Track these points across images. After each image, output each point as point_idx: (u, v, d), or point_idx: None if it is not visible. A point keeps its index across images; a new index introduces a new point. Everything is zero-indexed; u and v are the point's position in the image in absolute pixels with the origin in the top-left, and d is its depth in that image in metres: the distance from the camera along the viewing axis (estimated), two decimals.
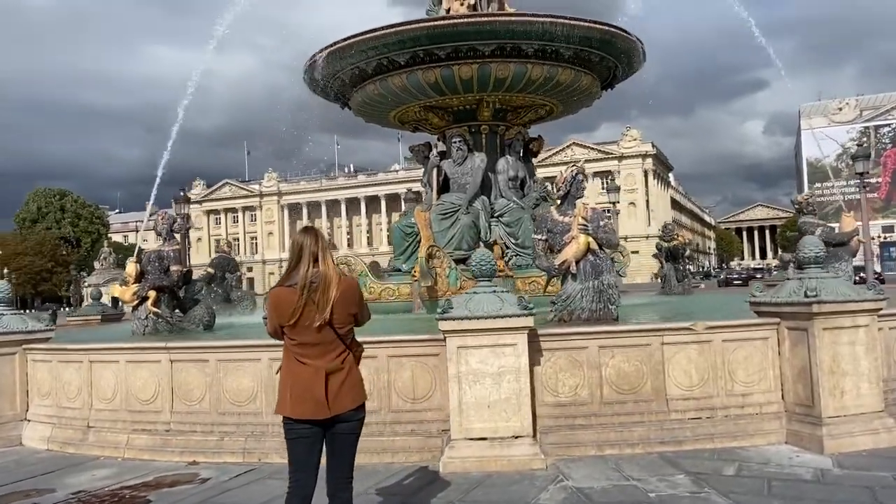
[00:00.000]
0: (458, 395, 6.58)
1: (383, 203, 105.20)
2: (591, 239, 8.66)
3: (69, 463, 7.73)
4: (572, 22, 12.34)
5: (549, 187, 14.56)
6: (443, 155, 14.57)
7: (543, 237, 9.28)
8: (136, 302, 11.07)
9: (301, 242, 4.05)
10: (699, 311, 10.30)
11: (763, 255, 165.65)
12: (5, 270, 13.54)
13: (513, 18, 12.51)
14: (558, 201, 9.41)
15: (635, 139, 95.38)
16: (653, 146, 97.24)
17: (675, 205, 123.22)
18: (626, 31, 13.30)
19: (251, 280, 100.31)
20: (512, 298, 6.71)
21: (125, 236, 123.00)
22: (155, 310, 10.84)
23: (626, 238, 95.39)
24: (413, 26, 12.38)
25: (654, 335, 7.19)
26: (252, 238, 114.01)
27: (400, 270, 14.23)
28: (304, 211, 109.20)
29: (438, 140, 15.11)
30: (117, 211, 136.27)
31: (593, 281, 8.69)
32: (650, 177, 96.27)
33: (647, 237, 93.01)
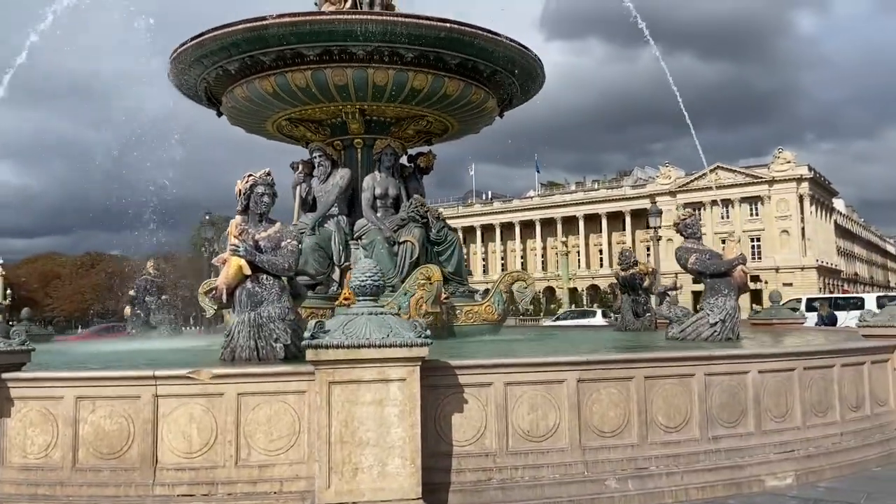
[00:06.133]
0: None
1: (517, 229, 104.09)
2: (242, 262, 7.25)
3: None
4: (387, 18, 10.81)
5: (426, 206, 12.96)
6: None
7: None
8: None
9: None
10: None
11: None
12: None
13: (333, 18, 11.11)
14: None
15: (788, 161, 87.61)
16: (809, 169, 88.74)
17: (846, 234, 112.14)
18: (478, 29, 11.49)
19: None
20: None
21: None
22: None
23: (777, 269, 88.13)
24: (229, 30, 11.28)
25: (143, 384, 5.63)
26: None
27: None
28: None
29: None
30: None
31: (249, 313, 7.25)
32: (807, 202, 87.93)
33: (802, 268, 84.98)
